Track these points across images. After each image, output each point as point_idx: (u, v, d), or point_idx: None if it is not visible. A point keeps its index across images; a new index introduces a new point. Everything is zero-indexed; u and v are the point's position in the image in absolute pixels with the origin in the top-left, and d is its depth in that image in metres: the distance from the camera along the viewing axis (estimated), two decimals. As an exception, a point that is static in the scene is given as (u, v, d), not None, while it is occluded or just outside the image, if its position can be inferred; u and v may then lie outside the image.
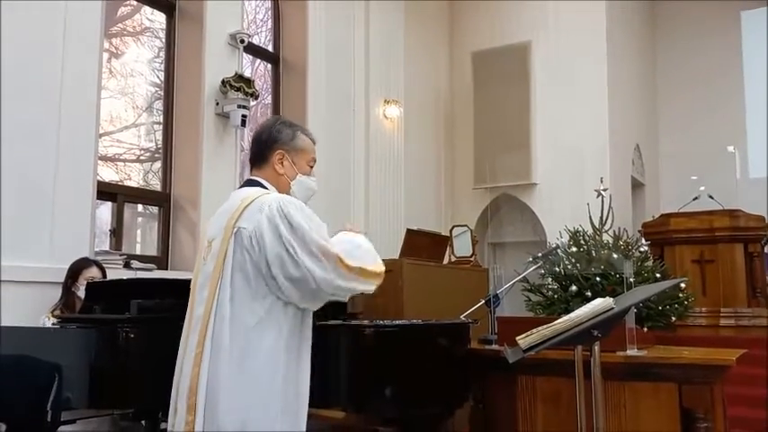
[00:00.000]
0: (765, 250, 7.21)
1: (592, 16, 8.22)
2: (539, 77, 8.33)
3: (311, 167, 2.20)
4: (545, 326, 1.91)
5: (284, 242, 1.87)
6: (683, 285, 5.95)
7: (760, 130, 9.69)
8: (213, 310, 1.91)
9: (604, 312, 1.87)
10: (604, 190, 6.46)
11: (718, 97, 9.91)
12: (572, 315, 1.93)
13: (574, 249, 6.11)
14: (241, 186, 2.15)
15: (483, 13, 8.89)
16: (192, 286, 2.09)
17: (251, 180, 2.14)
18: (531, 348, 1.88)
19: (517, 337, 1.96)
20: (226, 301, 1.91)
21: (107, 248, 4.69)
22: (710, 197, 7.12)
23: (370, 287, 2.00)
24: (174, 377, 2.03)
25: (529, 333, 1.93)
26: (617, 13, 8.67)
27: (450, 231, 6.72)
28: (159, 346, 2.72)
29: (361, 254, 1.97)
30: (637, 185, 9.42)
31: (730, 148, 8.74)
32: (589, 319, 1.87)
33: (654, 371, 2.89)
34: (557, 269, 6.08)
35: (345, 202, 6.87)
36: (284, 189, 2.13)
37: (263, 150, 2.13)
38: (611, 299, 1.95)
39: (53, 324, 3.28)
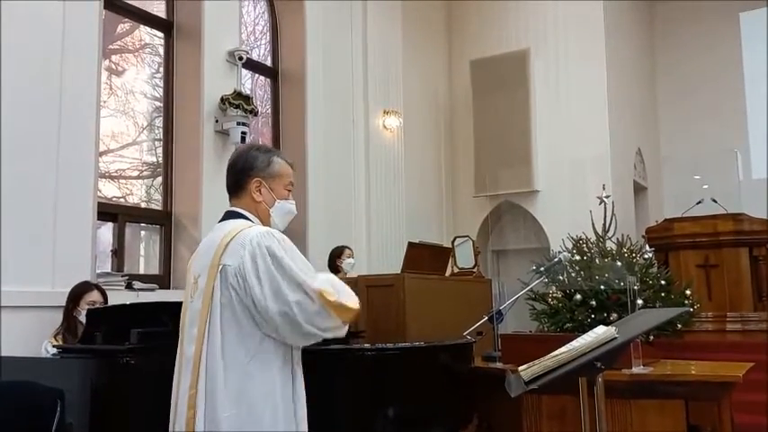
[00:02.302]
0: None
1: (590, 22, 8.20)
2: (538, 84, 8.32)
3: (289, 191, 2.16)
4: (547, 356, 1.89)
5: (267, 277, 1.85)
6: (688, 292, 5.93)
7: (761, 130, 9.66)
8: (204, 349, 1.89)
9: (607, 343, 1.85)
10: (607, 197, 6.44)
11: (718, 99, 9.88)
12: (575, 344, 1.91)
13: (577, 258, 6.09)
14: (222, 219, 2.11)
15: (481, 21, 8.88)
16: (180, 323, 2.07)
17: (231, 212, 2.10)
18: (533, 380, 1.86)
19: (519, 368, 1.94)
20: (216, 340, 1.89)
21: (109, 270, 4.68)
22: (714, 201, 7.09)
23: (341, 330, 1.97)
24: (171, 416, 2.00)
25: (531, 364, 1.91)
26: (615, 18, 8.65)
27: (452, 242, 6.70)
28: (160, 373, 2.70)
29: (340, 289, 1.95)
30: (639, 189, 9.39)
31: (733, 150, 8.70)
32: (591, 350, 1.85)
33: (660, 388, 2.87)
34: (561, 278, 6.06)
35: (346, 214, 6.86)
36: (264, 216, 2.10)
37: (239, 179, 2.10)
38: (614, 328, 1.93)
39: (53, 354, 3.26)
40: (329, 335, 1.94)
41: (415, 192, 7.99)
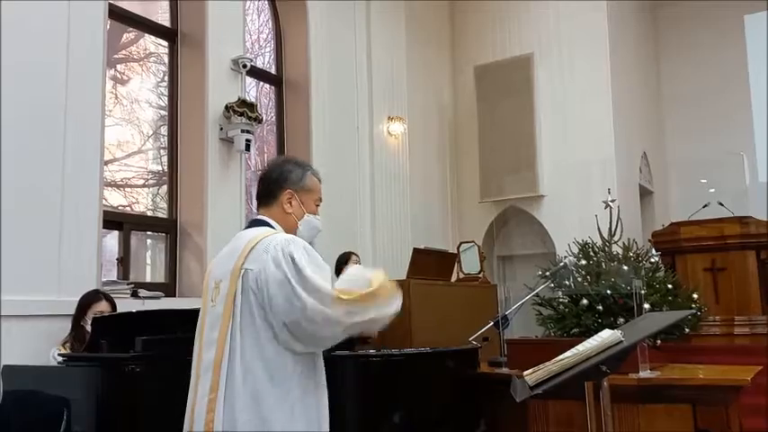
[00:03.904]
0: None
1: (594, 27, 8.19)
2: (542, 89, 8.31)
3: (317, 206, 2.21)
4: (552, 361, 1.88)
5: (286, 282, 1.86)
6: (695, 296, 5.90)
7: (767, 133, 9.63)
8: (226, 353, 1.90)
9: (612, 347, 1.84)
10: (612, 201, 6.42)
11: (724, 102, 9.84)
12: (580, 348, 1.90)
13: (583, 262, 6.07)
14: (247, 227, 2.14)
15: (484, 27, 8.89)
16: (198, 327, 2.08)
17: (257, 220, 2.14)
18: (538, 385, 1.85)
19: (524, 372, 1.94)
20: (237, 344, 1.90)
21: (115, 278, 4.69)
22: (720, 204, 7.06)
23: (386, 309, 1.95)
24: (186, 421, 2.01)
25: (536, 368, 1.90)
26: (619, 22, 8.65)
27: (458, 248, 6.69)
28: (166, 380, 2.71)
29: (354, 283, 1.95)
30: (645, 193, 9.35)
31: (739, 153, 8.67)
32: (596, 354, 1.84)
33: (667, 393, 2.85)
34: (567, 283, 6.04)
35: (352, 221, 6.86)
36: (291, 228, 2.13)
37: (272, 189, 2.15)
38: (620, 332, 1.92)
39: (58, 363, 3.27)
40: (356, 330, 1.95)
41: (421, 197, 7.99)
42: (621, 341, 1.86)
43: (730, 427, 2.91)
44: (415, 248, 5.50)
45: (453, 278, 6.29)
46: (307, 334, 1.87)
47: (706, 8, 10.04)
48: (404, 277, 5.06)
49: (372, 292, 1.91)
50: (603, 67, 8.11)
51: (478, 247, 6.78)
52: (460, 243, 6.85)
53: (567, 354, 1.88)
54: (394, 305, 1.98)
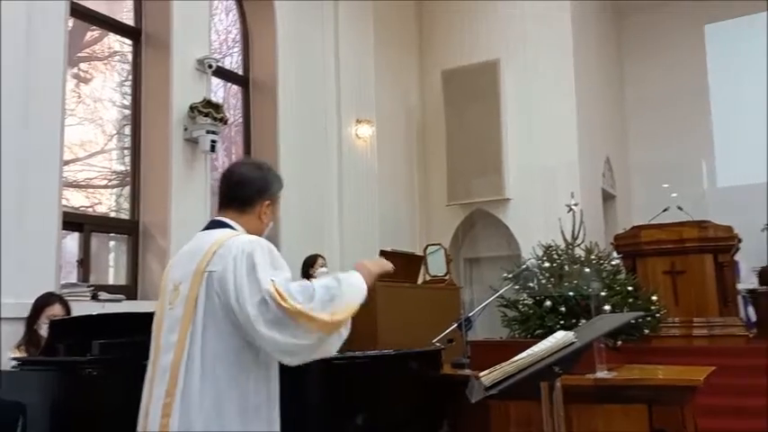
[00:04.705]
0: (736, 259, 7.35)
1: (559, 33, 8.34)
2: (508, 94, 8.42)
3: None
4: (508, 362, 1.91)
5: (242, 281, 1.84)
6: (654, 298, 6.02)
7: (727, 139, 9.89)
8: (184, 357, 1.88)
9: (565, 348, 1.88)
10: (575, 204, 6.53)
11: (685, 109, 10.10)
12: (534, 349, 1.94)
13: (547, 265, 6.16)
14: (207, 228, 2.11)
15: (452, 32, 8.97)
16: (154, 331, 2.05)
17: (218, 221, 2.10)
18: (493, 386, 1.88)
19: (481, 374, 1.96)
20: (197, 347, 1.87)
21: (75, 280, 4.61)
22: (679, 208, 7.22)
23: (318, 346, 1.86)
24: (139, 424, 1.98)
25: (492, 369, 1.93)
26: (583, 30, 8.81)
27: (424, 250, 6.72)
28: (125, 385, 2.67)
29: (315, 297, 1.85)
30: (608, 197, 9.53)
31: (699, 159, 8.89)
32: (550, 355, 1.88)
33: (624, 393, 2.91)
34: (531, 285, 6.12)
35: (319, 223, 6.85)
36: (258, 234, 2.10)
37: (252, 197, 2.10)
38: (572, 333, 1.96)
39: (12, 367, 3.20)
40: (305, 352, 1.87)
41: (388, 200, 8.01)
42: (574, 342, 1.90)
43: (685, 427, 2.98)
44: (381, 251, 5.51)
45: (420, 280, 6.32)
46: (257, 334, 1.84)
47: (668, 17, 10.29)
48: (370, 279, 5.06)
49: (319, 321, 1.83)
50: (568, 74, 8.26)
51: (445, 249, 6.82)
52: (427, 245, 6.89)
53: (522, 355, 1.91)
54: (321, 348, 1.90)
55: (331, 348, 1.94)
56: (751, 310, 7.95)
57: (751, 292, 8.04)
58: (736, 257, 7.37)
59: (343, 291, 1.91)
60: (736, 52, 9.95)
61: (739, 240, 6.94)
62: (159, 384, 1.92)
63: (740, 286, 7.56)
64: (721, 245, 6.69)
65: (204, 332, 1.88)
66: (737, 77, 9.92)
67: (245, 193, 2.10)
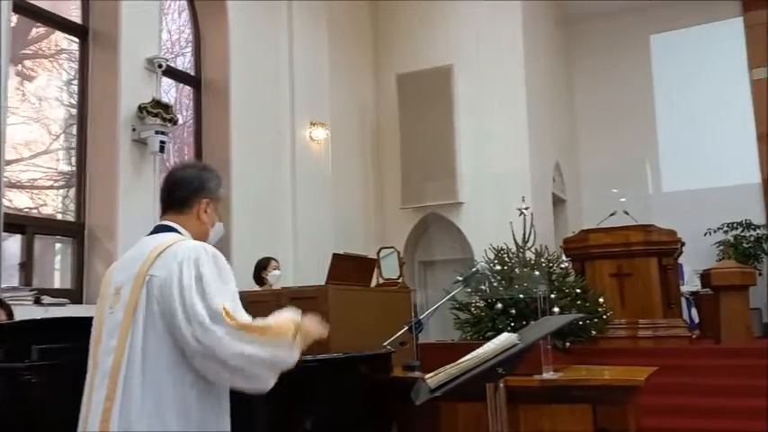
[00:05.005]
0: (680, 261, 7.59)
1: (510, 42, 8.49)
2: (462, 99, 8.52)
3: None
4: (452, 364, 1.94)
5: (187, 292, 1.81)
6: (601, 300, 6.18)
7: (671, 146, 10.23)
8: (124, 360, 1.84)
9: (508, 349, 1.91)
10: (526, 208, 6.65)
11: (632, 116, 10.40)
12: (479, 352, 1.97)
13: (498, 268, 6.25)
14: (152, 233, 2.07)
15: (407, 37, 9.03)
16: (94, 335, 2.00)
17: (164, 226, 2.06)
18: (438, 388, 1.90)
19: (426, 376, 1.98)
20: (137, 352, 1.84)
21: (16, 284, 4.46)
22: (626, 213, 7.41)
23: (280, 351, 1.86)
24: (78, 430, 1.94)
25: (437, 372, 1.95)
26: (533, 38, 8.98)
27: (378, 253, 6.74)
28: (67, 391, 2.60)
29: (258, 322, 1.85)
30: (558, 202, 9.72)
31: (644, 165, 9.16)
32: (494, 357, 1.91)
33: (569, 393, 2.97)
34: (483, 287, 6.21)
35: (272, 226, 6.79)
36: (203, 236, 2.08)
37: (188, 197, 2.08)
38: (516, 335, 2.00)
39: (-53, 374, 3.07)
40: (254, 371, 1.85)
41: (343, 203, 8.00)
42: (517, 344, 1.94)
43: (627, 426, 3.06)
44: (334, 254, 5.49)
45: (373, 283, 6.33)
46: (199, 351, 1.81)
47: (615, 27, 10.58)
48: (323, 283, 5.05)
49: (262, 327, 1.83)
50: (519, 81, 8.42)
51: (398, 252, 6.86)
52: (380, 249, 6.92)
53: (467, 357, 1.94)
54: (285, 351, 1.89)
55: (283, 361, 1.91)
56: (694, 312, 8.22)
57: (694, 294, 8.31)
58: (680, 260, 7.60)
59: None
60: (680, 61, 10.30)
61: (682, 244, 7.15)
62: (99, 390, 1.88)
63: (684, 288, 7.81)
64: (665, 248, 6.87)
65: (145, 337, 1.85)
66: (681, 86, 10.27)
67: (182, 193, 2.08)
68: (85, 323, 2.97)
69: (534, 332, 2.19)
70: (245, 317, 1.84)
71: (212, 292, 1.82)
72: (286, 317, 1.96)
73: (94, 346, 1.98)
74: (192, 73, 6.55)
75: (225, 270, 1.92)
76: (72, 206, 5.27)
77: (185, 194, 2.08)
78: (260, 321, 1.86)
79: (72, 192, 5.29)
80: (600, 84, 10.64)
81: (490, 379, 1.98)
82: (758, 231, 9.37)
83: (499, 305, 5.89)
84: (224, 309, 1.80)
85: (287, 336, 1.90)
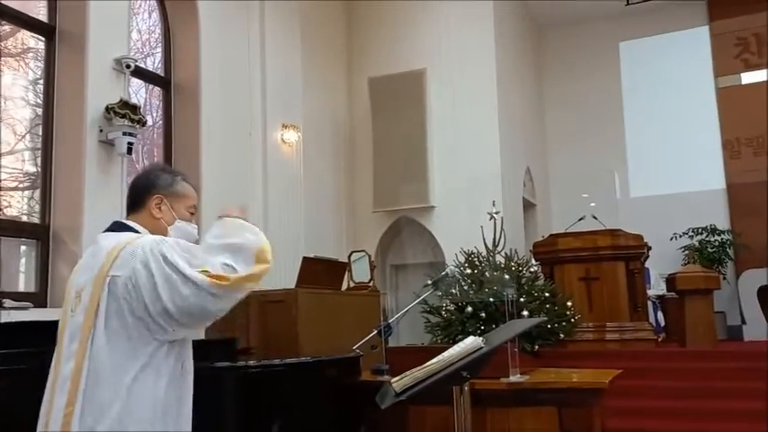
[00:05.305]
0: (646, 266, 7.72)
1: (481, 47, 8.58)
2: (434, 103, 8.57)
3: (192, 214, 2.15)
4: (418, 368, 1.95)
5: (162, 280, 1.80)
6: (569, 304, 6.26)
7: (639, 152, 10.42)
8: (85, 364, 1.82)
9: (473, 353, 1.93)
10: (496, 212, 6.71)
11: (600, 122, 10.58)
12: (444, 355, 1.98)
13: (469, 271, 6.30)
14: (107, 230, 2.04)
15: (379, 40, 9.06)
16: (58, 339, 1.97)
17: (119, 224, 2.04)
18: (404, 392, 1.91)
19: (392, 380, 1.99)
20: (99, 354, 1.82)
21: (-23, 287, 4.36)
22: (594, 217, 7.52)
23: (249, 286, 1.92)
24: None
25: (403, 375, 1.96)
26: (505, 43, 9.08)
27: (349, 257, 6.74)
28: (28, 397, 2.55)
29: (240, 258, 1.88)
30: (529, 206, 9.83)
31: (611, 170, 9.32)
32: (459, 360, 1.93)
33: (535, 396, 3.01)
34: (453, 291, 6.25)
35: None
36: (160, 233, 2.05)
37: (140, 195, 2.08)
38: (481, 338, 2.02)
39: None
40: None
41: (315, 206, 7.98)
42: (482, 347, 1.96)
43: (592, 428, 3.10)
44: (304, 257, 5.49)
45: (344, 287, 6.33)
46: (188, 322, 1.84)
47: (585, 34, 10.76)
48: (293, 286, 5.04)
49: (250, 275, 1.88)
50: (490, 85, 8.50)
51: (369, 256, 6.86)
52: (351, 252, 6.91)
53: (433, 360, 1.95)
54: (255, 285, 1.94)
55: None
56: (660, 315, 8.37)
57: (660, 297, 8.47)
58: (647, 264, 7.73)
59: (242, 238, 1.94)
60: (648, 69, 10.50)
61: (649, 248, 7.28)
62: (60, 394, 1.85)
63: (650, 292, 7.95)
64: (632, 252, 6.99)
65: (108, 337, 1.82)
66: (649, 93, 10.47)
67: (135, 193, 2.09)
68: (49, 327, 2.93)
69: (500, 335, 2.22)
70: (215, 269, 1.83)
71: (192, 275, 1.81)
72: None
73: (57, 350, 1.95)
74: (162, 74, 6.47)
75: (185, 244, 1.91)
76: (38, 207, 5.17)
77: (138, 193, 2.09)
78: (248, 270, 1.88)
79: (37, 193, 5.20)
80: (570, 89, 10.80)
81: (455, 382, 1.99)
82: (722, 236, 9.58)
83: (469, 308, 5.94)
84: (212, 276, 1.81)
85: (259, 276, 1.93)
